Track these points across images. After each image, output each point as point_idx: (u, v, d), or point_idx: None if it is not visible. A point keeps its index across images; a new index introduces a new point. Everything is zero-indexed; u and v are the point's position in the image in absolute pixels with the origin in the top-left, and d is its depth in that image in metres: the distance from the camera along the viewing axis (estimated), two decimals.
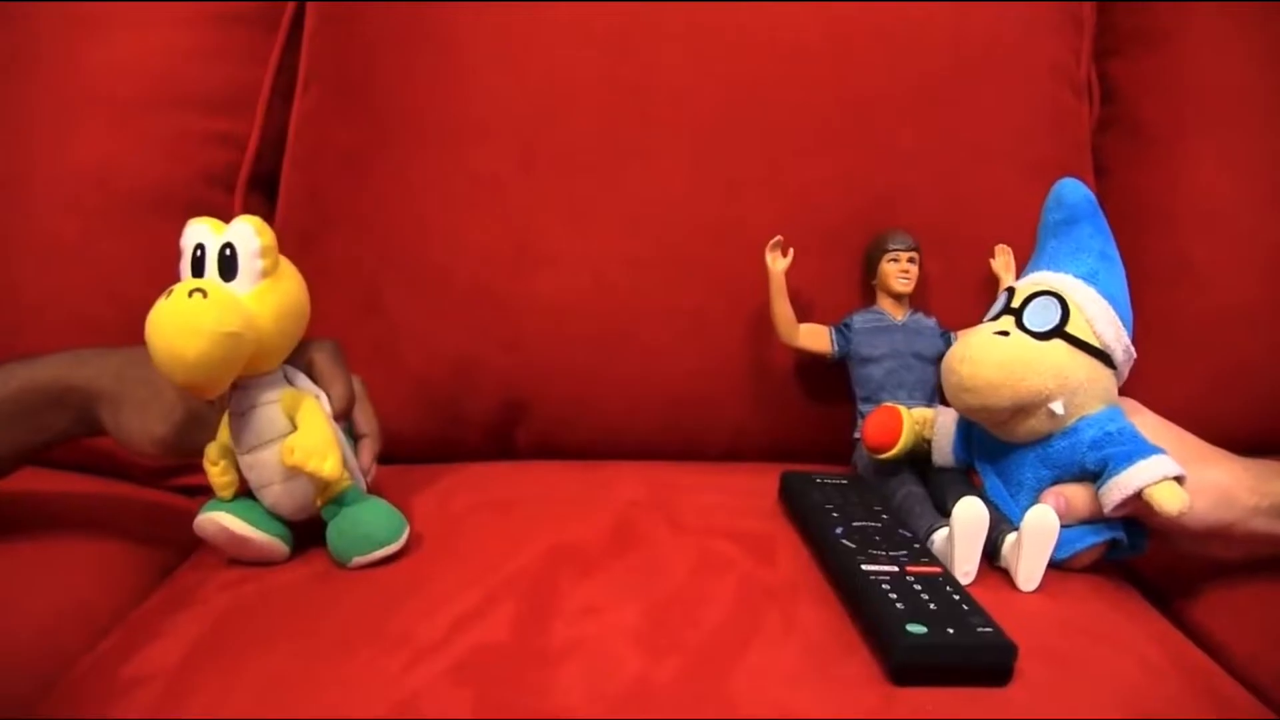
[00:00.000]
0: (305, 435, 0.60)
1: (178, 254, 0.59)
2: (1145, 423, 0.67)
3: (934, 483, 0.74)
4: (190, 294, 0.55)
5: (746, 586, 0.61)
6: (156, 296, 0.56)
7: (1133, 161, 1.00)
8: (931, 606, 0.54)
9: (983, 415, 0.67)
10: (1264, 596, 0.67)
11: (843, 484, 0.74)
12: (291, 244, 0.92)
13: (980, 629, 0.52)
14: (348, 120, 0.94)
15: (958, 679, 0.51)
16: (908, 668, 0.51)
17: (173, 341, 0.55)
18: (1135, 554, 0.67)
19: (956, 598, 0.55)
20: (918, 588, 0.56)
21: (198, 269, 0.58)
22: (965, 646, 0.51)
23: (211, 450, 0.64)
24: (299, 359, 0.65)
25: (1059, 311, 0.66)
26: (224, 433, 0.63)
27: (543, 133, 0.89)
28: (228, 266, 0.58)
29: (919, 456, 0.75)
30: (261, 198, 0.97)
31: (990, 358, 0.65)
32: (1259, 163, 0.96)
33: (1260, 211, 0.95)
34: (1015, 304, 0.68)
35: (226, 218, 0.59)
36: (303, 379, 0.65)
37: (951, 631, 0.52)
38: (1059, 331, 0.66)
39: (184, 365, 0.55)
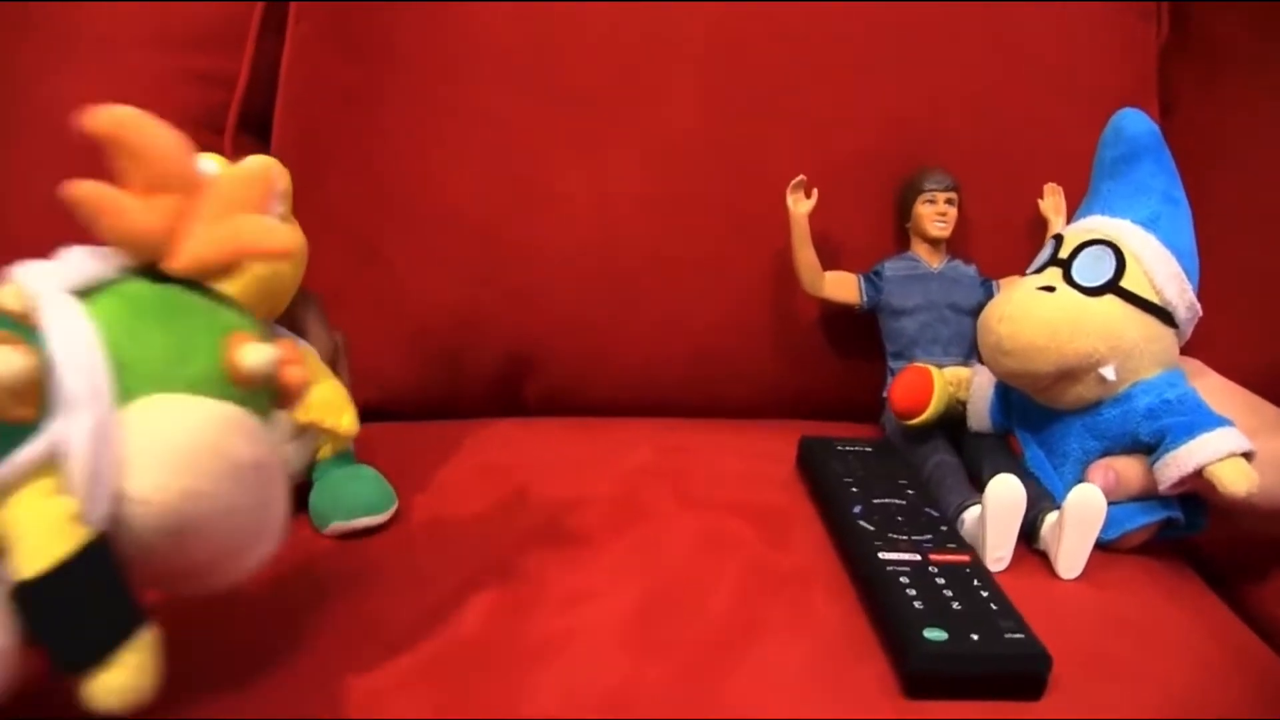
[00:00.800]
0: (319, 389, 0.56)
1: None
2: (1210, 387, 0.60)
3: (969, 449, 0.67)
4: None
5: (754, 572, 0.55)
6: None
7: (1204, 92, 0.91)
8: (955, 605, 0.48)
9: (1024, 381, 0.60)
10: None
11: (866, 451, 0.68)
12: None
13: (1009, 635, 0.46)
14: (342, 55, 0.88)
15: (982, 691, 0.45)
16: (924, 678, 0.44)
17: None
18: (1193, 533, 0.60)
19: (985, 594, 0.49)
20: (940, 581, 0.50)
21: None
22: (991, 656, 0.45)
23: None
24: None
25: (1113, 263, 0.59)
26: None
27: (547, 64, 0.83)
28: None
29: (954, 419, 0.69)
30: (253, 139, 0.92)
31: (1032, 316, 0.58)
32: None
33: None
34: (1063, 254, 0.60)
35: None
36: (283, 331, 0.61)
37: (976, 638, 0.45)
38: (1113, 286, 0.58)
39: None
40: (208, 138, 0.89)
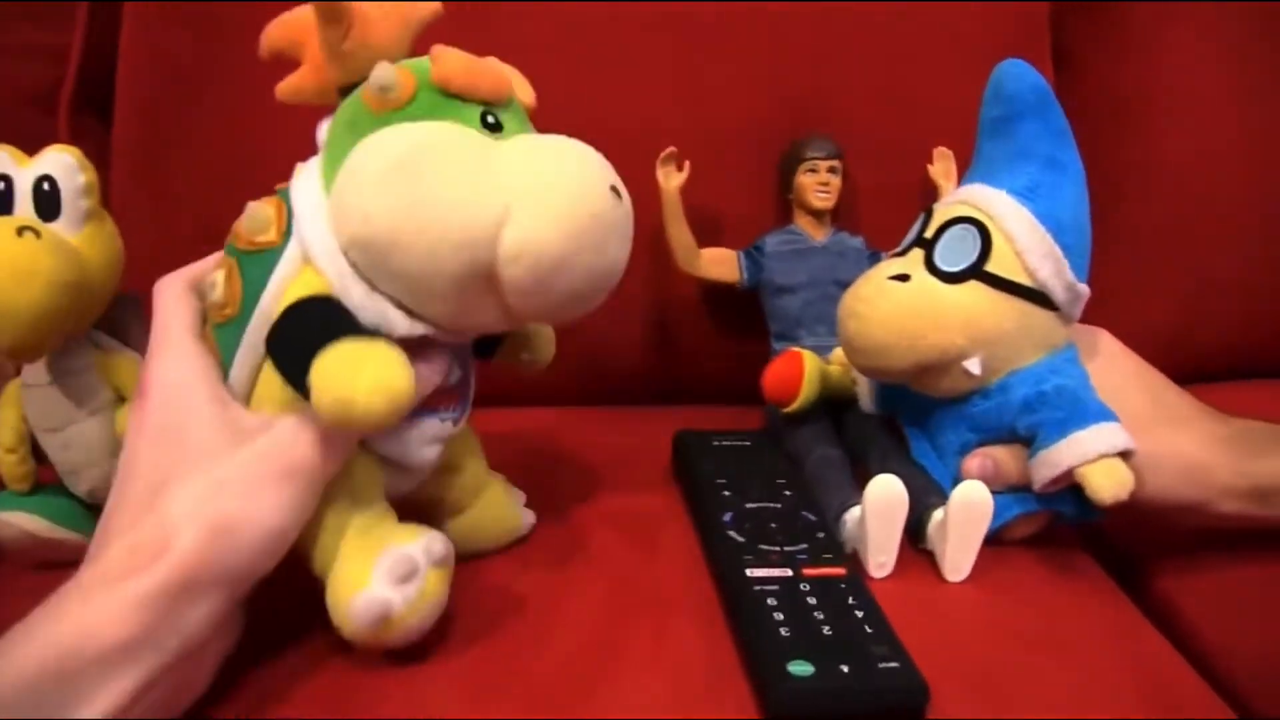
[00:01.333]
0: None
1: None
2: (1108, 365, 0.57)
3: (854, 431, 0.63)
4: (20, 232, 0.47)
5: (616, 592, 0.51)
6: None
7: (1099, 47, 0.88)
8: (826, 630, 0.43)
9: (882, 376, 0.57)
10: (1243, 571, 0.56)
11: (744, 446, 0.63)
12: (124, 172, 0.81)
13: (883, 664, 0.41)
14: (187, 24, 0.80)
15: None
16: (789, 718, 0.40)
17: (22, 290, 0.46)
18: (1087, 520, 0.56)
19: (860, 614, 0.45)
20: (812, 600, 0.45)
21: (3, 205, 0.50)
22: (862, 691, 0.40)
23: (5, 435, 0.54)
24: None
25: (978, 244, 0.54)
26: (11, 413, 0.54)
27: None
28: (49, 204, 0.51)
29: (840, 400, 0.64)
30: (92, 118, 0.85)
31: (880, 311, 0.54)
32: (1245, 46, 0.84)
33: (1246, 104, 0.83)
34: (928, 233, 0.56)
35: (49, 143, 0.51)
36: (103, 338, 0.55)
37: (846, 670, 0.41)
38: (976, 271, 0.53)
39: (15, 320, 0.47)
40: (37, 117, 0.82)
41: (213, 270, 0.48)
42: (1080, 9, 0.89)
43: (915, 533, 0.54)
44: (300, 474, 0.42)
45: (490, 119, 0.45)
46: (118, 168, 0.82)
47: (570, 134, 0.50)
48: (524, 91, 0.50)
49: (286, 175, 0.75)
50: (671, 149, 0.70)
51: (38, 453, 0.55)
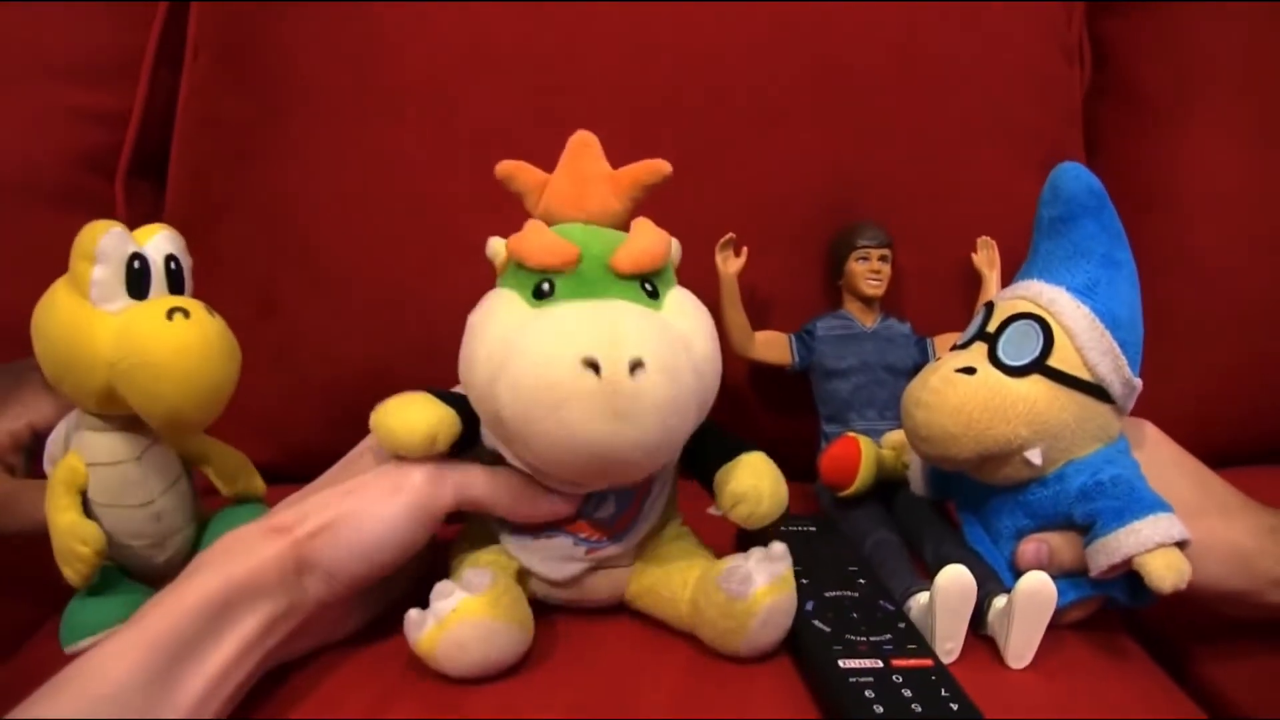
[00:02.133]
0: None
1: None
2: (1155, 456, 0.58)
3: (907, 517, 0.65)
4: (181, 313, 0.50)
5: (694, 673, 0.51)
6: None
7: (1128, 133, 0.90)
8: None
9: (946, 464, 0.58)
10: None
11: (810, 532, 0.64)
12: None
13: None
14: (242, 92, 0.83)
15: None
16: None
17: (214, 367, 0.51)
18: (1139, 606, 0.57)
19: (954, 707, 0.46)
20: (906, 693, 0.46)
21: (137, 285, 0.51)
22: None
23: (94, 533, 0.51)
24: None
25: (1040, 340, 0.55)
26: (70, 502, 0.52)
27: (459, 106, 0.79)
28: (176, 282, 0.53)
29: (893, 482, 0.66)
30: (148, 183, 0.86)
31: (948, 403, 0.55)
32: (1270, 135, 0.86)
33: (1271, 190, 0.85)
34: (991, 328, 0.57)
35: (105, 207, 0.54)
36: None
37: None
38: (1039, 365, 0.55)
39: (217, 396, 0.52)
40: (97, 182, 0.83)
41: None
42: (1108, 99, 0.92)
43: (975, 619, 0.54)
44: (403, 493, 0.50)
45: (545, 286, 0.50)
46: None
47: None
48: (623, 254, 0.51)
49: (333, 241, 0.78)
50: (730, 235, 0.72)
51: None
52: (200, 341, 0.50)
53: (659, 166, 0.55)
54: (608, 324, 0.46)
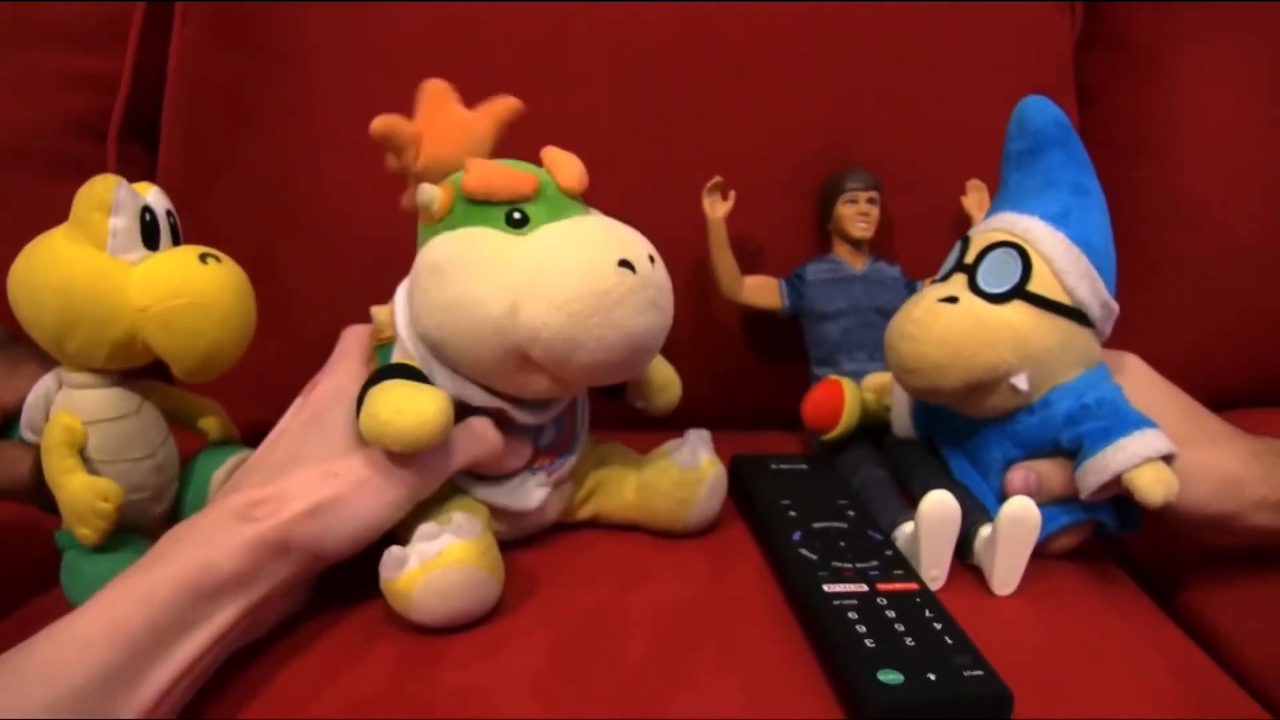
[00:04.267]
0: None
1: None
2: (1140, 386, 0.58)
3: (894, 455, 0.65)
4: (203, 259, 0.51)
5: (682, 606, 0.52)
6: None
7: (1120, 81, 0.90)
8: (908, 641, 0.45)
9: (933, 396, 0.58)
10: (1266, 586, 0.58)
11: (802, 469, 0.64)
12: (172, 199, 0.83)
13: (968, 672, 0.43)
14: (233, 55, 0.82)
15: None
16: None
17: (248, 306, 0.53)
18: (1128, 531, 0.58)
19: (938, 626, 0.46)
20: (891, 614, 0.47)
21: (150, 236, 0.51)
22: (951, 698, 0.42)
23: (104, 485, 0.50)
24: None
25: (1019, 266, 0.56)
26: (76, 463, 0.50)
27: (455, 66, 0.77)
28: (175, 237, 0.54)
29: (878, 424, 0.66)
30: (139, 146, 0.86)
31: (934, 332, 0.55)
32: (1263, 79, 0.86)
33: (1266, 136, 0.85)
34: (969, 259, 0.58)
35: (96, 170, 0.51)
36: None
37: (934, 678, 0.42)
38: (1020, 291, 0.55)
39: (239, 338, 0.52)
40: (88, 146, 0.83)
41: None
42: (1099, 48, 0.91)
43: (962, 549, 0.55)
44: (396, 484, 0.50)
45: (516, 215, 0.51)
46: None
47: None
48: (566, 176, 0.54)
49: (328, 202, 0.78)
50: (717, 179, 0.72)
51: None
52: (238, 281, 0.52)
53: (513, 103, 0.59)
54: (611, 231, 0.51)
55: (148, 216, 0.51)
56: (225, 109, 0.82)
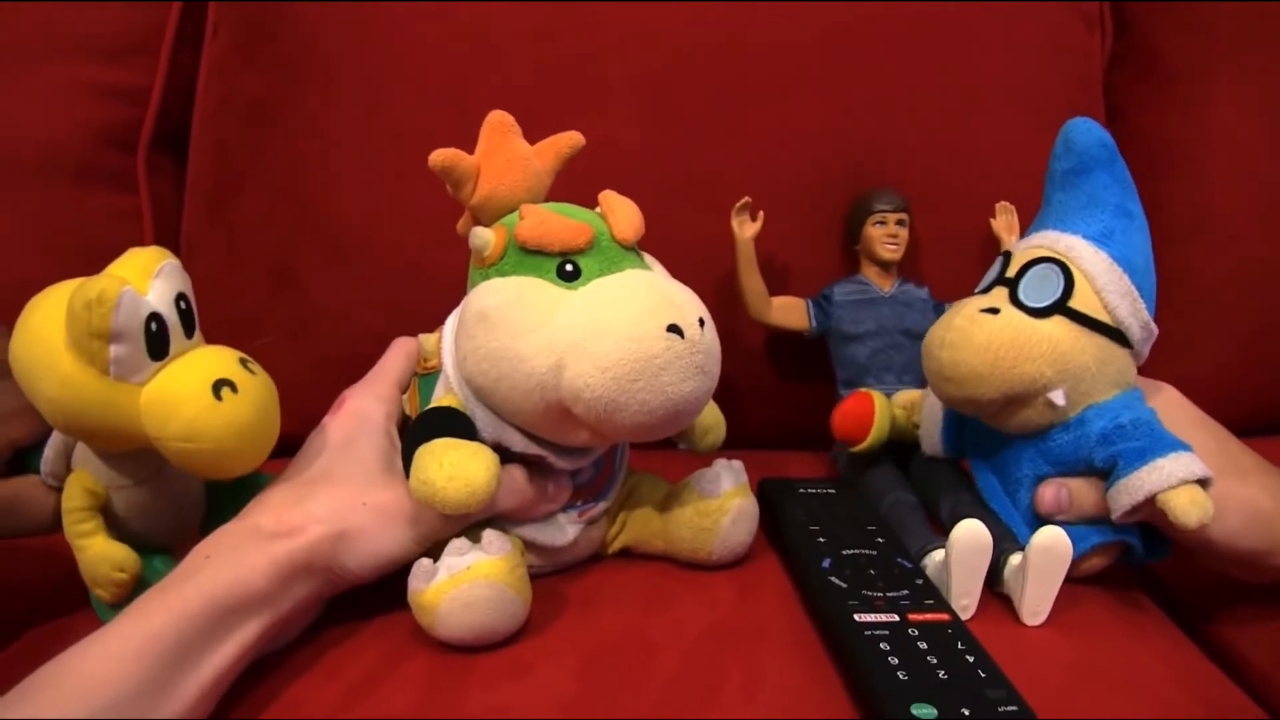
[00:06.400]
0: None
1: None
2: (1172, 416, 0.57)
3: (920, 475, 0.65)
4: (250, 370, 0.49)
5: (709, 632, 0.51)
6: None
7: (1149, 101, 0.90)
8: (941, 674, 0.44)
9: (969, 407, 0.58)
10: None
11: (829, 494, 0.64)
12: (199, 210, 0.83)
13: (1002, 708, 0.42)
14: (261, 68, 0.83)
15: None
16: None
17: (270, 430, 0.50)
18: (1156, 560, 0.57)
19: (971, 659, 0.46)
20: (923, 645, 0.47)
21: (158, 348, 0.46)
22: None
23: (119, 555, 0.49)
24: None
25: (1061, 282, 0.56)
26: (95, 525, 0.50)
27: (476, 81, 0.79)
28: (188, 322, 0.48)
29: (904, 443, 0.66)
30: (169, 158, 0.87)
31: (974, 341, 0.55)
32: None
33: None
34: (1010, 273, 0.58)
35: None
36: None
37: (967, 713, 0.42)
38: (1061, 306, 0.55)
39: (269, 448, 0.50)
40: (119, 156, 0.84)
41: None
42: (1129, 67, 0.91)
43: (991, 577, 0.55)
44: (422, 523, 0.51)
45: (569, 267, 0.51)
46: (191, 206, 0.84)
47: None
48: (621, 229, 0.53)
49: (350, 214, 0.78)
50: (746, 199, 0.72)
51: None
52: (256, 416, 0.48)
53: (575, 138, 0.58)
54: (663, 292, 0.50)
55: (153, 326, 0.45)
56: (253, 121, 0.83)
